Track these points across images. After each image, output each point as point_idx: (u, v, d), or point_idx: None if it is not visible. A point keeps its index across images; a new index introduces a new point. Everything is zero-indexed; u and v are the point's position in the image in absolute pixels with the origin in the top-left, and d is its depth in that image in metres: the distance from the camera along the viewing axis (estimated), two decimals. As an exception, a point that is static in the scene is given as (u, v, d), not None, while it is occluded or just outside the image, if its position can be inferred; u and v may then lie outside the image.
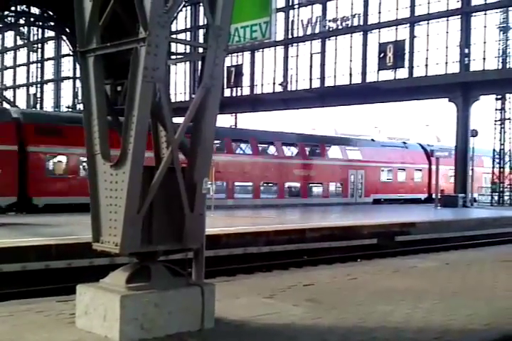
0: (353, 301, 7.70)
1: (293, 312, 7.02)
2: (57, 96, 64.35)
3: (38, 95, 66.11)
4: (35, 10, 55.12)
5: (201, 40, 43.47)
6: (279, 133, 38.20)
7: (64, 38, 55.84)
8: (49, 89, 65.96)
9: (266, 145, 35.15)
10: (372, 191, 39.38)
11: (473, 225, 24.02)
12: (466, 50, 35.29)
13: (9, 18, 55.78)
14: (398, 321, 6.67)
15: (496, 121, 38.56)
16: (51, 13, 52.52)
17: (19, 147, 24.65)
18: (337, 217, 25.37)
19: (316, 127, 67.25)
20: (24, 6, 54.43)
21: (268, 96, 44.41)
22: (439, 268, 11.01)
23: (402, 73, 37.75)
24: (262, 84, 45.36)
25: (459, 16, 35.72)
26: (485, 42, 35.19)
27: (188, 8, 48.38)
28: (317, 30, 41.40)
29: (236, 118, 51.70)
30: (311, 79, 42.65)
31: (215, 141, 30.76)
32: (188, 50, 35.41)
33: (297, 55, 43.58)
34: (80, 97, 51.80)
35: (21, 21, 57.34)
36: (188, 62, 48.32)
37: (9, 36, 68.59)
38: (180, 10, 43.53)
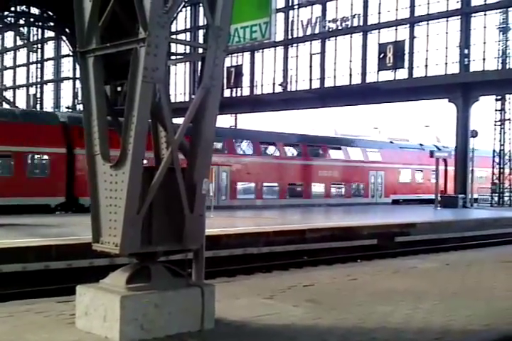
0: (352, 302, 7.70)
1: (293, 312, 7.01)
2: (57, 96, 64.36)
3: (38, 95, 66.12)
4: (35, 10, 55.18)
5: (201, 40, 43.48)
6: (303, 135, 39.58)
7: (64, 38, 55.90)
8: (49, 89, 65.98)
9: (291, 148, 36.24)
10: (391, 192, 40.48)
11: (472, 226, 24.02)
12: (466, 51, 35.31)
13: (9, 19, 55.83)
14: (398, 322, 6.67)
15: (495, 121, 38.57)
16: (51, 13, 52.57)
17: (67, 150, 25.90)
18: (340, 217, 25.40)
19: (316, 128, 67.22)
20: (24, 6, 54.49)
21: (268, 96, 44.42)
22: (439, 268, 11.01)
23: (402, 74, 37.77)
24: (262, 85, 45.38)
25: (459, 17, 35.74)
26: (485, 43, 35.22)
27: (188, 8, 48.41)
28: (317, 31, 41.42)
29: (236, 118, 51.71)
30: (310, 80, 42.66)
31: (243, 143, 33.59)
32: (187, 51, 35.46)
33: (297, 56, 43.60)
34: (79, 98, 51.81)
35: (21, 21, 57.39)
36: (187, 63, 48.35)
37: (9, 36, 68.62)
38: (180, 10, 43.54)
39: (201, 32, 47.05)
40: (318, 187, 37.16)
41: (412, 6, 37.34)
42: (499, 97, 37.98)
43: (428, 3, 36.80)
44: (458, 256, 13.50)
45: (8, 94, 69.18)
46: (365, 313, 7.04)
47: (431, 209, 33.78)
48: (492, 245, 18.44)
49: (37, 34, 64.71)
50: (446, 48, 36.40)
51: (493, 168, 39.36)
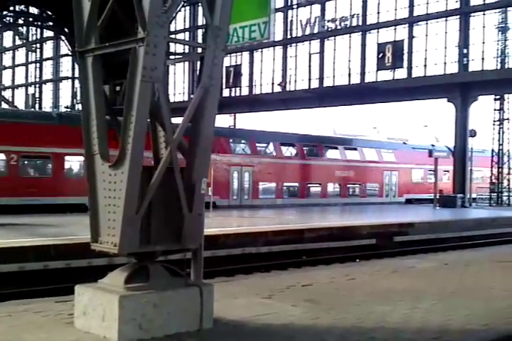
0: (351, 301, 7.70)
1: (291, 312, 7.02)
2: (56, 96, 64.33)
3: (37, 95, 66.10)
4: (33, 10, 55.14)
5: (200, 40, 43.45)
6: (321, 136, 40.87)
7: (63, 37, 55.89)
8: (48, 89, 65.94)
9: (309, 148, 37.15)
10: (404, 191, 41.56)
11: (471, 225, 24.04)
12: (465, 50, 35.31)
13: (8, 18, 55.78)
14: (397, 321, 6.68)
15: (494, 121, 38.60)
16: (50, 13, 52.54)
17: None
18: (341, 217, 25.43)
19: (315, 127, 67.23)
20: (23, 5, 54.45)
21: (267, 96, 44.41)
22: (438, 268, 11.02)
23: (401, 73, 37.77)
24: (261, 85, 45.38)
25: (458, 16, 35.75)
26: (484, 43, 35.23)
27: (187, 8, 48.40)
28: (316, 31, 41.41)
29: (235, 118, 51.72)
30: (309, 80, 42.66)
31: (264, 144, 34.87)
32: (186, 50, 35.45)
33: (296, 55, 43.59)
34: (78, 97, 51.76)
35: (20, 21, 57.35)
36: (186, 62, 48.34)
37: (8, 36, 68.58)
38: (179, 10, 43.56)
39: (200, 31, 47.03)
40: (334, 187, 38.48)
41: (411, 6, 37.34)
42: (498, 97, 38.00)
43: (427, 3, 36.81)
44: (456, 256, 13.51)
45: (7, 94, 69.16)
46: (364, 313, 7.04)
47: (430, 208, 33.81)
48: (490, 245, 18.46)
49: (36, 34, 64.71)
50: (445, 48, 36.41)
51: (491, 167, 39.39)
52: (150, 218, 6.00)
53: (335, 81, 41.31)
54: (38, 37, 64.79)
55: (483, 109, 61.57)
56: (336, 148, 38.52)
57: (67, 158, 26.34)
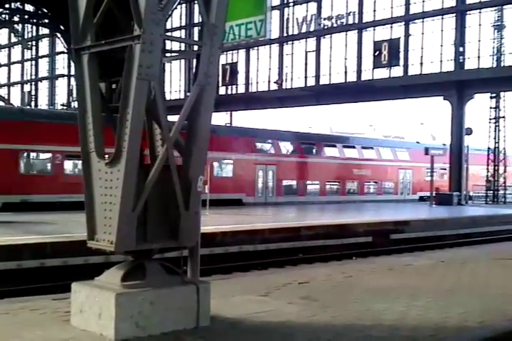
0: (348, 299, 7.71)
1: (288, 310, 7.02)
2: (52, 93, 64.21)
3: (33, 93, 65.93)
4: (29, 7, 55.00)
5: (196, 37, 43.42)
6: (340, 136, 43.22)
7: (58, 35, 55.74)
8: (43, 86, 65.81)
9: (328, 148, 38.74)
10: (418, 189, 43.05)
11: (467, 223, 24.08)
12: (461, 49, 35.35)
13: (3, 16, 55.61)
14: (393, 319, 6.69)
15: (490, 119, 38.66)
16: (45, 10, 52.41)
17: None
18: (339, 215, 25.44)
19: (312, 125, 67.27)
20: (18, 3, 54.28)
21: (263, 94, 44.39)
22: (434, 266, 11.03)
23: (397, 71, 37.81)
24: (257, 82, 45.36)
25: (454, 15, 35.78)
26: (480, 41, 35.27)
27: (183, 5, 48.33)
28: (312, 28, 41.41)
29: (231, 116, 51.69)
30: (306, 77, 42.65)
31: (287, 143, 36.37)
32: (182, 48, 35.41)
33: (292, 53, 43.58)
34: (74, 95, 51.66)
35: (15, 19, 57.20)
36: (182, 60, 48.26)
37: (3, 33, 68.36)
38: (175, 7, 43.37)
39: (196, 29, 46.97)
40: (352, 185, 40.05)
41: (407, 4, 37.36)
42: (494, 95, 38.06)
43: (423, 1, 36.85)
44: (453, 254, 13.55)
45: (2, 92, 69.03)
46: (361, 310, 7.05)
47: (426, 206, 33.87)
48: (487, 242, 18.50)
49: (31, 31, 64.54)
50: (441, 46, 36.43)
51: (487, 165, 39.46)
52: (146, 216, 5.99)
53: (331, 79, 41.32)
54: (34, 34, 64.64)
55: (479, 107, 61.59)
56: (354, 147, 40.04)
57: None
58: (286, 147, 36.70)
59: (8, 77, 70.67)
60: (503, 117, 38.60)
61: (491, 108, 38.59)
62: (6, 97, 66.13)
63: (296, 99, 42.66)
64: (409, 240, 20.22)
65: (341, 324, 6.45)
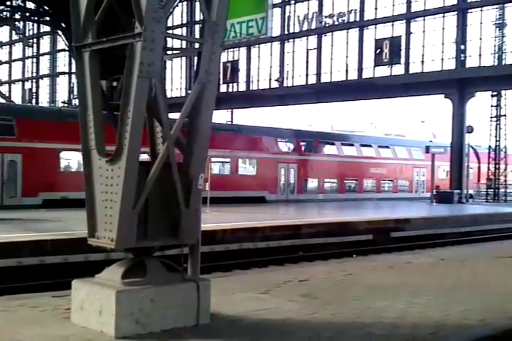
0: (348, 297, 7.72)
1: (288, 307, 7.03)
2: (53, 91, 64.18)
3: (34, 90, 65.89)
4: (30, 5, 54.89)
5: (197, 35, 43.34)
6: (358, 136, 44.70)
7: (60, 32, 55.66)
8: (44, 84, 65.76)
9: (347, 147, 39.74)
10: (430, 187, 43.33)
11: (468, 221, 24.08)
12: (462, 47, 35.29)
13: (4, 13, 55.55)
14: (393, 316, 6.69)
15: (491, 117, 38.62)
16: (47, 7, 52.32)
17: None
18: (340, 213, 25.44)
19: (312, 123, 67.24)
20: (20, 0, 54.24)
21: (264, 92, 44.35)
22: (434, 264, 11.04)
23: (398, 69, 37.75)
24: (258, 80, 45.32)
25: (455, 12, 35.72)
26: (481, 39, 35.20)
27: (184, 3, 48.28)
28: (313, 26, 41.33)
29: (232, 114, 51.66)
30: (307, 75, 42.60)
31: (308, 142, 37.54)
32: (184, 46, 35.39)
33: (293, 51, 43.51)
34: (75, 92, 51.61)
35: (17, 16, 57.11)
36: (184, 58, 48.25)
37: (4, 31, 68.27)
38: (176, 5, 43.40)
39: (197, 27, 46.92)
40: (370, 183, 41.22)
41: (409, 2, 37.29)
42: (495, 93, 38.02)
43: (425, -1, 36.80)
44: (453, 252, 13.54)
45: (3, 89, 68.93)
46: (361, 308, 7.06)
47: (426, 204, 33.87)
48: (488, 240, 18.50)
49: (32, 29, 64.48)
50: (443, 44, 36.38)
51: (488, 163, 39.46)
52: (147, 213, 6.00)
53: (332, 77, 41.27)
54: (35, 32, 64.55)
55: (480, 105, 61.62)
56: (371, 146, 40.96)
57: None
58: (306, 146, 37.58)
59: (10, 75, 70.61)
60: (504, 115, 38.54)
61: (492, 106, 38.54)
62: (7, 95, 66.09)
63: (297, 97, 42.62)
64: (410, 238, 20.22)
65: (341, 322, 6.45)
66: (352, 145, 40.10)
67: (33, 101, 64.04)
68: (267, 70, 44.79)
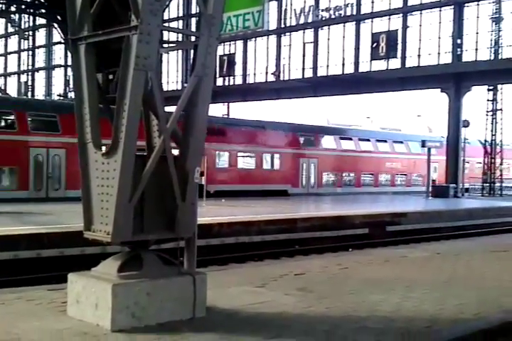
0: (343, 290, 7.74)
1: (284, 301, 7.04)
2: (49, 84, 63.98)
3: (29, 83, 65.66)
4: (26, -3, 54.60)
5: (193, 28, 43.21)
6: (373, 131, 46.04)
7: (55, 25, 55.36)
8: (40, 77, 65.53)
9: (364, 142, 41.19)
10: (442, 181, 43.71)
11: (463, 215, 24.14)
12: (459, 41, 35.30)
13: (0, 6, 55.27)
14: (389, 310, 6.71)
15: (487, 111, 38.66)
16: (42, 0, 52.06)
17: None
18: (336, 206, 25.49)
19: (309, 116, 67.20)
20: (15, -8, 53.92)
21: (260, 85, 44.29)
22: (430, 258, 11.07)
23: (395, 63, 37.73)
24: (255, 74, 45.26)
25: (452, 7, 35.70)
26: (477, 33, 35.22)
27: (181, -4, 48.11)
28: (310, 20, 41.29)
29: (228, 107, 51.60)
30: (303, 69, 42.56)
31: (327, 138, 38.97)
32: (180, 39, 35.28)
33: (290, 45, 43.46)
34: (71, 85, 51.47)
35: (12, 8, 56.76)
36: (180, 51, 48.14)
37: (0, 23, 68.02)
38: (173, -2, 43.29)
39: (194, 20, 46.78)
40: (385, 177, 42.83)
41: (405, -4, 37.25)
42: (491, 87, 38.04)
43: (421, -7, 36.75)
44: (449, 246, 13.57)
45: (-1, 82, 68.76)
46: (356, 302, 7.08)
47: (422, 199, 33.93)
48: (483, 235, 18.54)
49: (28, 21, 64.12)
50: (439, 38, 36.38)
51: (484, 157, 39.52)
52: (143, 207, 6.00)
53: (329, 70, 41.25)
54: (31, 24, 64.22)
55: (476, 99, 61.65)
56: (386, 142, 42.36)
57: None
58: (326, 141, 38.83)
59: (5, 67, 70.33)
60: (501, 110, 38.63)
61: (488, 100, 38.58)
62: (3, 87, 65.84)
63: (294, 91, 42.59)
64: (406, 232, 20.26)
65: (337, 315, 6.47)
66: (368, 140, 41.47)
67: (29, 94, 63.82)
68: (264, 64, 44.73)
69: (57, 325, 5.70)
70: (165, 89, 39.17)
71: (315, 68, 41.86)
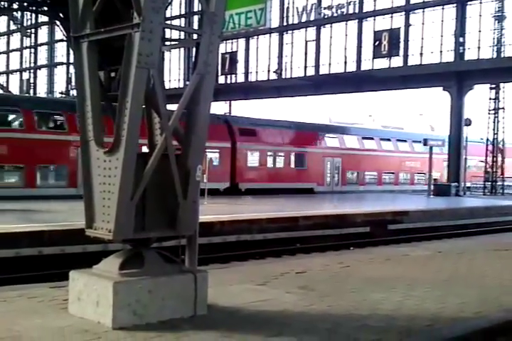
0: (345, 289, 7.74)
1: (286, 299, 7.05)
2: (51, 81, 63.99)
3: (32, 81, 65.67)
4: (28, -6, 54.57)
5: (196, 26, 43.25)
6: (394, 132, 47.39)
7: (58, 23, 55.33)
8: (42, 74, 65.55)
9: (385, 142, 42.46)
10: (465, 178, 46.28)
11: (464, 214, 24.12)
12: (461, 39, 35.24)
13: (2, 3, 55.18)
14: (390, 309, 6.71)
15: (489, 110, 38.60)
16: (45, -3, 52.04)
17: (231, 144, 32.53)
18: (338, 205, 25.51)
19: (311, 115, 67.14)
20: (17, -10, 53.89)
21: (262, 83, 44.27)
22: (431, 256, 11.06)
23: (397, 61, 37.70)
24: (257, 72, 45.23)
25: (455, 5, 35.64)
26: (480, 31, 35.16)
27: (183, -6, 48.07)
28: (312, 18, 41.25)
29: (230, 105, 51.57)
30: (305, 67, 42.54)
31: (350, 137, 40.00)
32: (182, 37, 35.27)
33: (292, 43, 43.43)
34: (73, 83, 51.47)
35: (15, 6, 56.70)
36: (182, 49, 48.08)
37: (2, 21, 67.88)
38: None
39: (196, 18, 46.75)
40: (405, 176, 43.97)
41: (408, -6, 37.19)
42: (493, 86, 37.97)
43: (424, -9, 36.68)
44: (450, 244, 13.57)
45: (1, 79, 68.73)
46: (358, 300, 7.08)
47: (424, 197, 33.91)
48: (484, 233, 18.53)
49: (31, 19, 64.10)
50: (442, 36, 36.32)
51: (486, 156, 39.47)
52: (145, 204, 6.00)
53: (331, 69, 41.22)
54: (33, 22, 64.20)
55: (478, 97, 61.62)
56: (406, 141, 43.44)
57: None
58: (350, 141, 39.85)
59: (7, 65, 70.32)
60: (503, 108, 38.53)
61: (490, 99, 38.50)
62: (5, 85, 65.86)
63: (296, 89, 42.56)
64: (407, 230, 20.26)
65: (338, 313, 6.47)
66: (389, 140, 42.76)
67: (31, 91, 63.83)
68: (266, 62, 44.71)
69: (58, 323, 5.71)
70: (167, 87, 39.19)
71: (317, 66, 41.82)
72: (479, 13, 35.15)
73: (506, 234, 17.75)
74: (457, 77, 35.20)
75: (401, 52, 37.24)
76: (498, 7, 34.73)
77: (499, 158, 39.47)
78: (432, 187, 35.64)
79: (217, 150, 31.45)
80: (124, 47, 5.67)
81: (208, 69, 6.19)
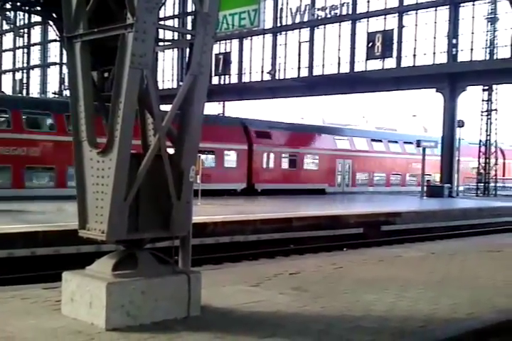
0: (338, 290, 7.74)
1: (279, 300, 7.04)
2: (44, 82, 63.78)
3: (24, 81, 65.47)
4: (21, -6, 54.41)
5: (189, 26, 43.21)
6: (403, 134, 48.22)
7: (51, 23, 55.22)
8: (35, 74, 65.33)
9: (393, 144, 43.50)
10: (462, 180, 45.90)
11: (457, 215, 24.18)
12: (454, 41, 35.32)
13: (-5, 3, 55.07)
14: (383, 310, 6.72)
15: (482, 111, 38.71)
16: (38, -3, 51.89)
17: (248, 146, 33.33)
18: (333, 206, 25.51)
19: (304, 116, 67.26)
20: (10, -10, 53.73)
21: (256, 84, 44.26)
22: (424, 257, 11.08)
23: (390, 63, 37.74)
24: (250, 73, 45.20)
25: (448, 6, 35.70)
26: (473, 33, 35.24)
27: (177, -6, 48.00)
28: (306, 19, 41.26)
29: (224, 106, 51.54)
30: (299, 68, 42.54)
31: (360, 140, 40.98)
32: (176, 37, 35.25)
33: (286, 44, 43.42)
34: (66, 83, 51.37)
35: (7, 6, 56.55)
36: (175, 49, 48.02)
37: (-5, 21, 67.79)
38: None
39: (190, 18, 46.71)
40: (412, 178, 44.75)
41: (401, -5, 37.25)
42: (486, 87, 38.07)
43: (417, -7, 36.75)
44: (443, 245, 13.60)
45: (-7, 79, 68.50)
46: (351, 301, 7.08)
47: (417, 198, 33.98)
48: (477, 235, 18.58)
49: (23, 18, 63.90)
50: (435, 38, 36.39)
51: (479, 158, 39.57)
52: (138, 205, 5.99)
53: (324, 70, 41.22)
54: (26, 22, 63.99)
55: (471, 99, 61.87)
56: (411, 143, 42.97)
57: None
58: (360, 143, 40.96)
59: (0, 65, 70.11)
60: (495, 110, 38.64)
61: (483, 100, 38.61)
62: (-2, 85, 65.66)
63: (289, 90, 42.57)
64: (400, 232, 20.29)
65: (331, 314, 6.47)
66: (396, 142, 43.83)
67: (24, 91, 63.62)
68: (259, 63, 44.67)
69: (51, 324, 5.69)
70: (160, 87, 39.17)
71: (310, 67, 41.83)
72: (472, 15, 35.23)
73: (499, 235, 17.79)
74: (450, 78, 35.28)
75: (394, 53, 37.31)
76: (491, 9, 34.82)
77: (492, 160, 39.56)
78: (425, 188, 35.71)
79: (235, 152, 32.89)
80: (118, 47, 5.67)
81: (201, 70, 6.19)
